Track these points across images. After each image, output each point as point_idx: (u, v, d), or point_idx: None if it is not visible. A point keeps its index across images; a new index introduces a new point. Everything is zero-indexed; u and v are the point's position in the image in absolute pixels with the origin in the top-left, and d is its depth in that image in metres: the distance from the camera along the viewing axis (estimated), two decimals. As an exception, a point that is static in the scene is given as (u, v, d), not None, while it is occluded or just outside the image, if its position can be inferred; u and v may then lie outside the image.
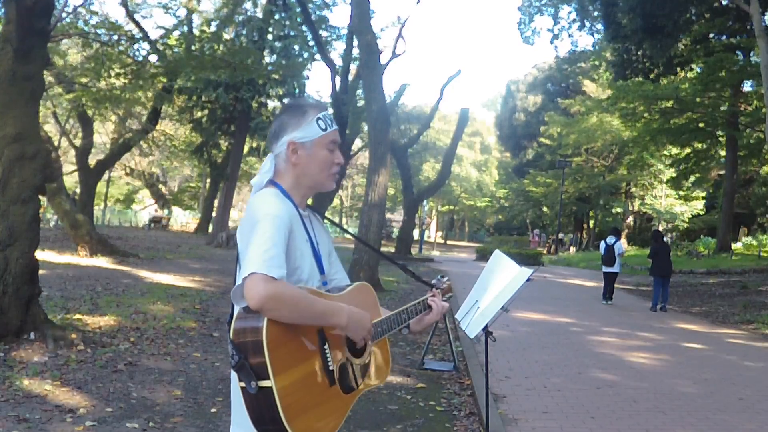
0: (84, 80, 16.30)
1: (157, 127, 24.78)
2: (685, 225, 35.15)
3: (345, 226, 47.51)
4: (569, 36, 62.82)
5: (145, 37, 17.15)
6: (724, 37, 21.96)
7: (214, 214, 29.72)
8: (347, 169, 32.33)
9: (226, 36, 20.23)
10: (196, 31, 18.61)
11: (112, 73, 15.03)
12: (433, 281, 2.15)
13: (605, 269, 13.28)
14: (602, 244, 13.73)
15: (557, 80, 46.95)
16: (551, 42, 36.73)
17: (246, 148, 27.45)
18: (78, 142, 22.50)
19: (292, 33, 23.90)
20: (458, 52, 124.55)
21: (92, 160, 23.13)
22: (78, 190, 23.32)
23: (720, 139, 25.10)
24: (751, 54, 22.01)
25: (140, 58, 15.59)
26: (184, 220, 42.22)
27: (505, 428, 4.48)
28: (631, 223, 40.61)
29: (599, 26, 26.27)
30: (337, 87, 20.33)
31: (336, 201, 47.25)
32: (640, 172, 35.35)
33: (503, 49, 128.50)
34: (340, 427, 1.69)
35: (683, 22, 20.47)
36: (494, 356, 6.53)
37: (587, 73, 40.64)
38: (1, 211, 5.52)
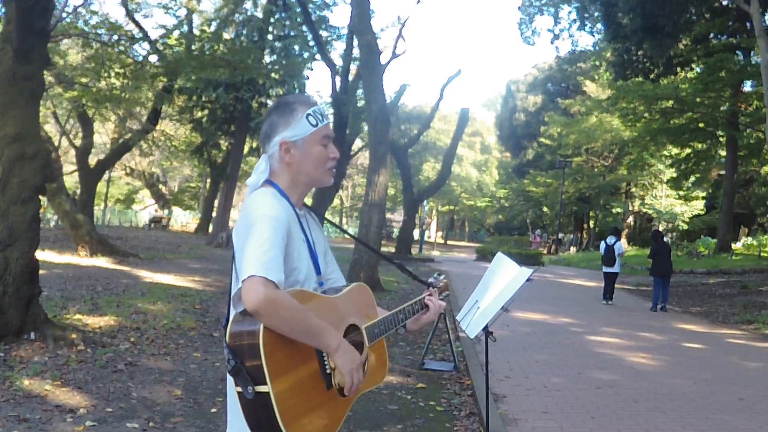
0: (84, 80, 16.31)
1: (157, 127, 24.76)
2: (686, 225, 35.11)
3: (345, 227, 47.51)
4: (569, 36, 63.13)
5: (145, 37, 17.14)
6: (724, 37, 21.94)
7: (214, 214, 29.69)
8: (347, 169, 32.27)
9: (226, 36, 20.21)
10: (196, 31, 18.62)
11: (112, 73, 15.01)
12: (430, 280, 2.14)
13: (605, 269, 13.28)
14: (602, 244, 13.74)
15: (557, 80, 46.94)
16: (551, 42, 36.67)
17: (246, 148, 27.40)
18: (78, 142, 22.53)
19: (292, 33, 23.87)
20: (458, 52, 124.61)
21: (92, 160, 23.16)
22: (78, 190, 23.34)
23: (720, 139, 25.09)
24: (751, 54, 22.02)
25: (140, 58, 15.60)
26: (184, 220, 42.17)
27: (505, 428, 4.48)
28: (631, 223, 40.59)
29: (599, 26, 26.28)
30: (337, 87, 20.29)
31: (336, 201, 47.21)
32: (640, 172, 35.32)
33: (503, 49, 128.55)
34: (339, 429, 1.68)
35: (683, 22, 20.47)
36: (494, 356, 6.53)
37: (587, 73, 40.60)
38: (1, 211, 5.52)
